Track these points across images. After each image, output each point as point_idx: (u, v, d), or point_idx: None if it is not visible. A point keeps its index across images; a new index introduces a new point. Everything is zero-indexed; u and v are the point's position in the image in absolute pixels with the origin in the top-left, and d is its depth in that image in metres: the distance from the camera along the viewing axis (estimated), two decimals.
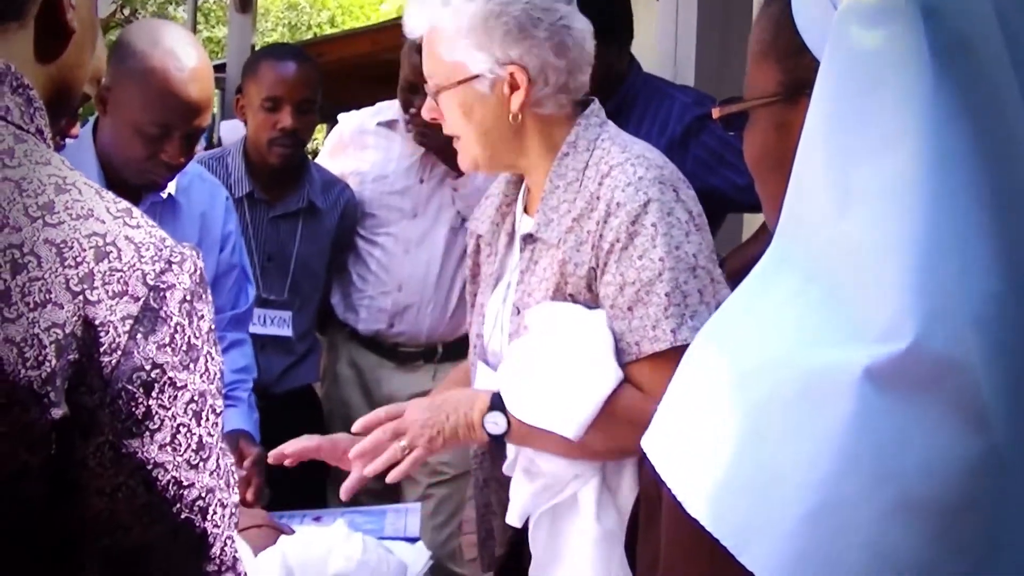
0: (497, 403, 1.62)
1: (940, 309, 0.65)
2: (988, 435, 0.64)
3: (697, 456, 0.71)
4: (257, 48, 10.35)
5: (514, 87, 1.64)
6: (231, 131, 6.89)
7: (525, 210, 1.79)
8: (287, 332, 2.66)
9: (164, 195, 2.11)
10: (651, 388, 1.54)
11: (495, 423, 1.62)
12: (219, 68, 10.56)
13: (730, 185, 2.55)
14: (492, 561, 1.90)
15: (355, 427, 1.72)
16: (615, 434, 1.54)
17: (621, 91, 2.64)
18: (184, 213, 2.14)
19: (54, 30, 0.97)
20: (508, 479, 1.75)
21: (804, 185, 0.74)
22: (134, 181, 2.03)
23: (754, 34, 0.92)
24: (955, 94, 0.68)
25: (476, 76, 1.64)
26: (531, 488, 1.67)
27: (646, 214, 1.57)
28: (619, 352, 1.58)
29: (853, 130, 0.70)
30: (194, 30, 9.39)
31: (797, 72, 0.86)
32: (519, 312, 1.69)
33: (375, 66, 10.35)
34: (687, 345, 1.61)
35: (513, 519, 1.70)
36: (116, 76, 1.96)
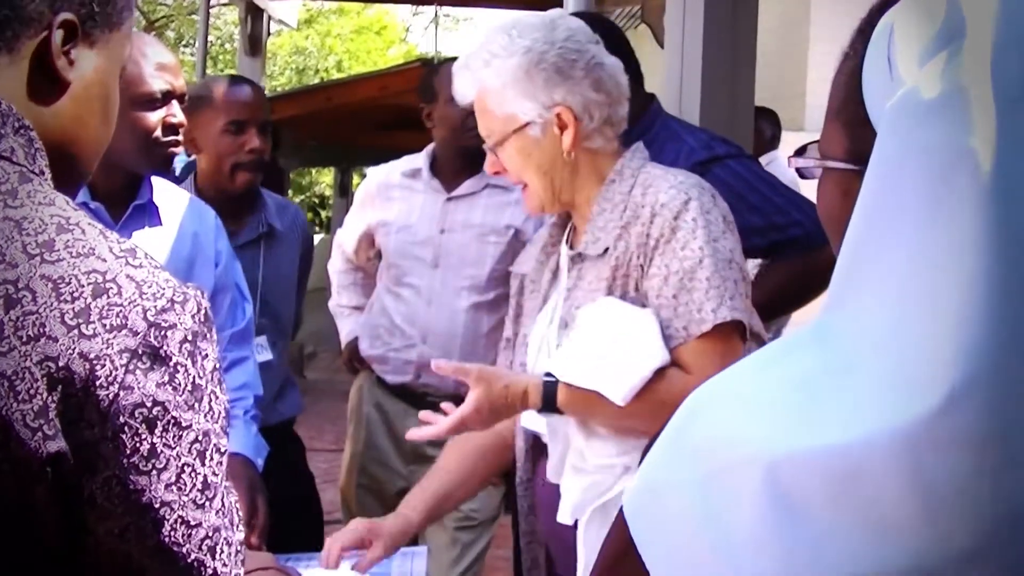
0: (548, 402, 1.71)
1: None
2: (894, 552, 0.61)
3: (662, 530, 0.73)
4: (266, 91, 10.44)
5: (563, 126, 1.76)
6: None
7: (571, 246, 1.87)
8: (267, 356, 2.63)
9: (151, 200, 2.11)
10: (697, 368, 1.63)
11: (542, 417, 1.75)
12: None
13: None
14: None
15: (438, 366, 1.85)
16: (661, 414, 1.57)
17: (635, 131, 2.64)
18: (172, 228, 2.12)
19: (47, 74, 0.97)
20: (552, 533, 1.80)
21: (850, 270, 0.69)
22: (149, 165, 2.04)
23: (832, 87, 0.85)
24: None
25: (528, 123, 1.77)
26: (581, 485, 1.72)
27: (687, 211, 1.69)
28: (667, 339, 1.67)
29: (897, 229, 0.65)
30: (203, 72, 9.46)
31: (862, 143, 0.77)
32: (567, 325, 1.76)
33: (382, 110, 10.42)
34: (727, 322, 1.65)
35: (565, 516, 1.75)
36: None
